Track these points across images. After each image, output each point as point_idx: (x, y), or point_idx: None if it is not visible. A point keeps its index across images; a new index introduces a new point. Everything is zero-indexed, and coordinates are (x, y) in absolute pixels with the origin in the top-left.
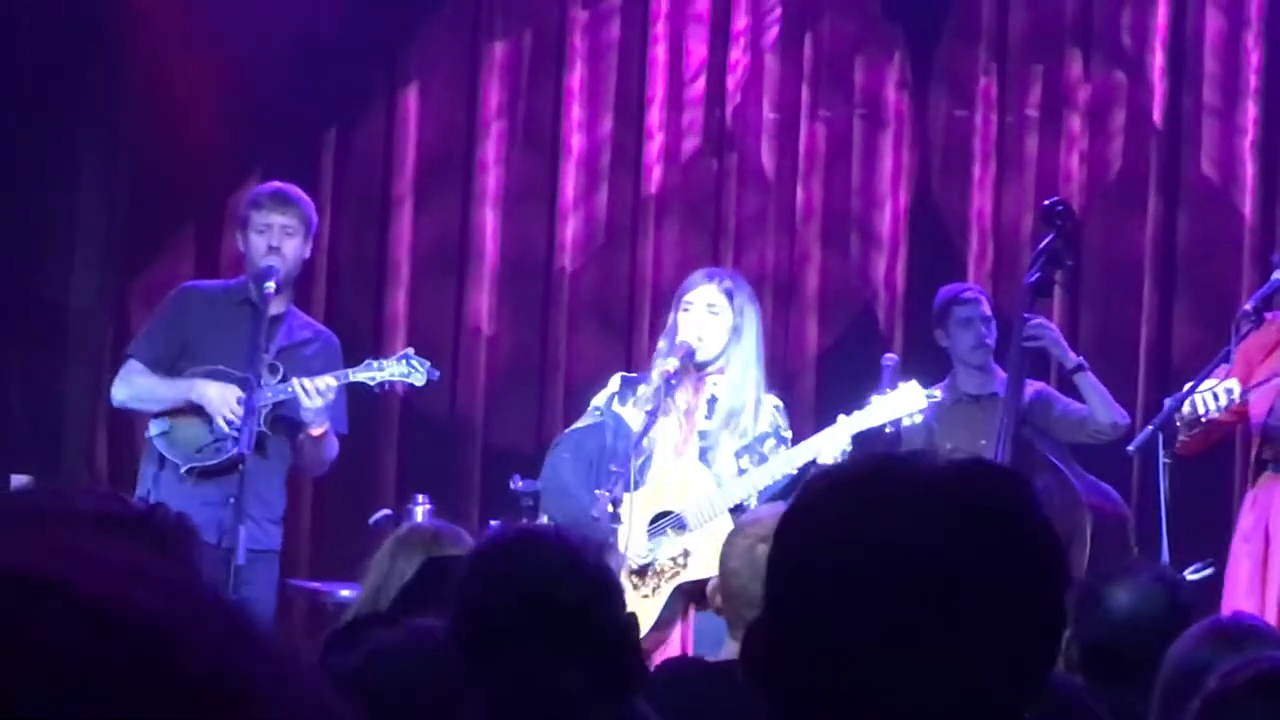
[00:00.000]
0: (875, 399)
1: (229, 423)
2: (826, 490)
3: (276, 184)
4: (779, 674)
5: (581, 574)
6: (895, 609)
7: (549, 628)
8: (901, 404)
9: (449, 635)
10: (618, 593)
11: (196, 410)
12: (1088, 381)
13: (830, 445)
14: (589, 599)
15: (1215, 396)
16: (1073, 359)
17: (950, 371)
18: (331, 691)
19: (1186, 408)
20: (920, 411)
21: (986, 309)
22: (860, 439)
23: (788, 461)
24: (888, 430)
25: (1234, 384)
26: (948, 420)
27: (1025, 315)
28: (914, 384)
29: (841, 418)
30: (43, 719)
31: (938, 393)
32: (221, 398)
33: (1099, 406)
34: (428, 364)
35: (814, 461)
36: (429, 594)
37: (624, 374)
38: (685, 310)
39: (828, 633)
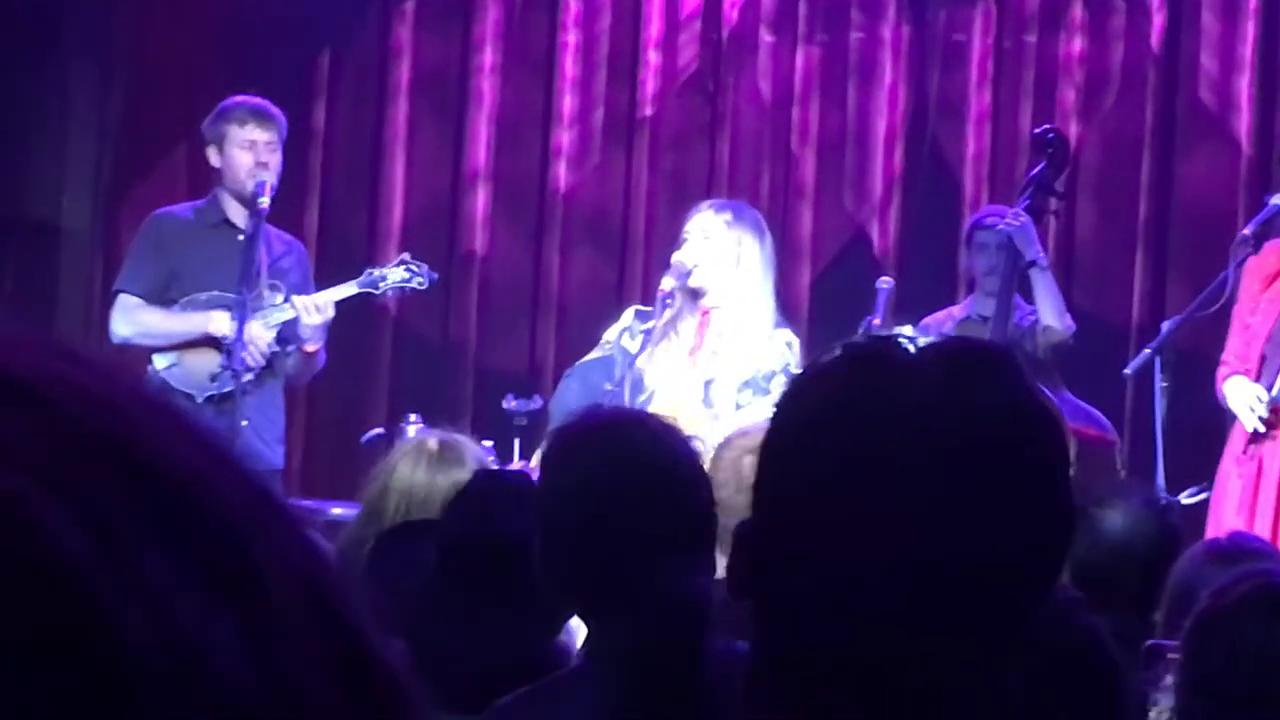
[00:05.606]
0: None
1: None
2: (817, 379)
3: (254, 99)
4: (766, 580)
5: (686, 459)
6: (896, 491)
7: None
8: None
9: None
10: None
11: (205, 340)
12: (1043, 280)
13: None
14: (696, 487)
15: (1252, 409)
16: (1034, 253)
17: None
18: (282, 507)
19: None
20: None
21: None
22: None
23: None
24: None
25: (1260, 390)
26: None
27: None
28: None
29: None
30: None
31: None
32: (246, 333)
33: (1047, 307)
34: (424, 266)
35: None
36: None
37: (638, 308)
38: (685, 239)
39: (822, 530)
